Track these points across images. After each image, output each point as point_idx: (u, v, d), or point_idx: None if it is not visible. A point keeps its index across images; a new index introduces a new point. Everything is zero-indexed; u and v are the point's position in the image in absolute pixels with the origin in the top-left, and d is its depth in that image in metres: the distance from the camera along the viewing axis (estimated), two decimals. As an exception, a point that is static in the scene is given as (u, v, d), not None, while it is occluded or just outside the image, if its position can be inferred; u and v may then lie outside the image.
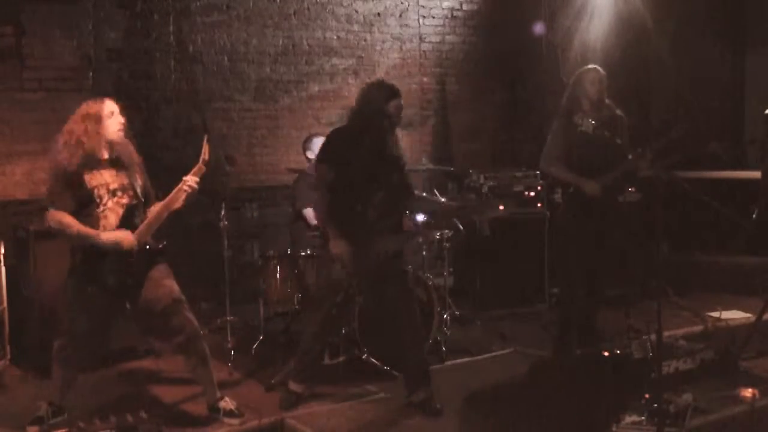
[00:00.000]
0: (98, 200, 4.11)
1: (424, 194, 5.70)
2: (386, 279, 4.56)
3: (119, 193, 4.17)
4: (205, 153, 4.18)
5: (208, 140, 4.22)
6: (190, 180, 4.16)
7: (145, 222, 4.16)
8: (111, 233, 4.07)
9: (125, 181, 4.20)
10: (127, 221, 4.14)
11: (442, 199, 5.73)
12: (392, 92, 4.54)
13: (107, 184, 4.14)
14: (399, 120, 4.59)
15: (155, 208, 4.22)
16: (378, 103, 4.49)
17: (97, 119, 4.15)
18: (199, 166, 4.18)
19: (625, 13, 7.94)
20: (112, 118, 4.19)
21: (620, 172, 5.19)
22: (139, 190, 4.23)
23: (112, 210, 4.14)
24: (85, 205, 4.09)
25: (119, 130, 4.21)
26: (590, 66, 5.36)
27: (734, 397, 4.46)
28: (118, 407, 4.36)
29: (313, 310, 4.84)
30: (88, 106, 4.19)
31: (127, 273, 4.12)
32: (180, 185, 4.16)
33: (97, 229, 4.08)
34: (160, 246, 4.24)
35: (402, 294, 4.58)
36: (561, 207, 5.49)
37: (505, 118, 8.32)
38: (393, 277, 4.58)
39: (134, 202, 4.20)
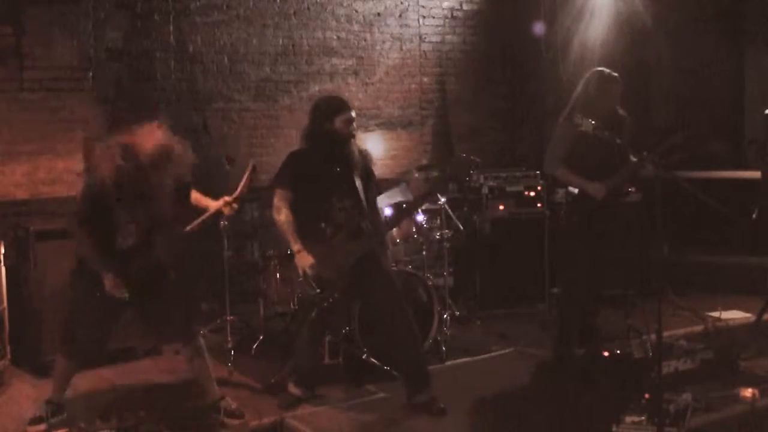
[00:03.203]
0: (123, 218, 4.08)
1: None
2: (368, 283, 4.54)
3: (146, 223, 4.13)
4: (243, 186, 4.13)
5: (252, 170, 4.17)
6: (231, 209, 4.15)
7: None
8: (113, 283, 4.05)
9: (152, 212, 4.11)
10: (145, 238, 4.13)
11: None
12: (336, 109, 4.47)
13: (135, 219, 4.10)
14: (350, 133, 4.51)
15: (199, 202, 4.27)
16: (322, 124, 4.47)
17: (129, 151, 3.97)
18: (236, 196, 4.15)
19: (625, 13, 7.94)
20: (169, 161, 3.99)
21: (626, 174, 5.19)
22: (164, 216, 4.15)
23: (135, 225, 4.11)
24: (110, 220, 4.07)
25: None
26: (613, 74, 5.23)
27: (734, 397, 4.46)
28: (118, 407, 4.36)
29: (297, 323, 4.88)
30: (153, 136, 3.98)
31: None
32: (218, 206, 4.17)
33: (115, 243, 4.09)
34: (170, 270, 4.26)
35: (389, 297, 4.54)
36: (565, 208, 5.48)
37: (505, 118, 8.32)
38: (374, 281, 4.54)
39: (158, 222, 4.16)
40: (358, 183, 4.56)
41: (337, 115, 4.45)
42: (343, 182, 4.52)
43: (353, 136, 4.56)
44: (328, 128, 4.45)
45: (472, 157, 4.89)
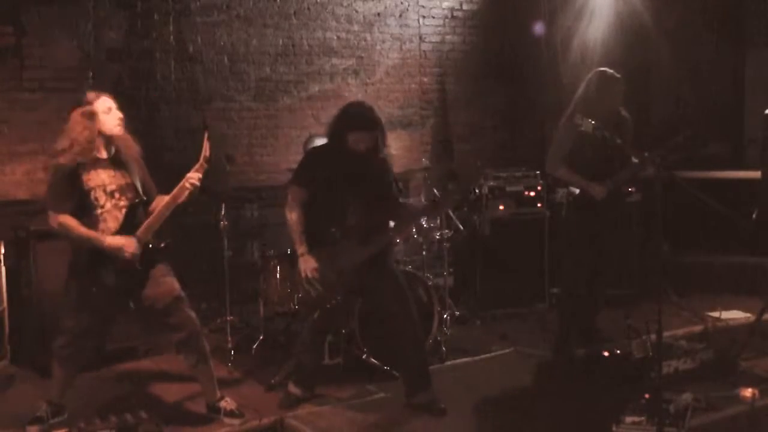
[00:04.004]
0: (95, 202, 4.10)
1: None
2: (374, 282, 4.51)
3: (117, 195, 4.16)
4: (205, 149, 4.16)
5: (208, 137, 4.19)
6: (193, 177, 4.15)
7: (147, 222, 4.15)
8: (115, 239, 4.06)
9: (124, 181, 4.19)
10: (127, 223, 4.13)
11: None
12: (351, 125, 4.35)
13: (104, 186, 4.13)
14: (360, 151, 4.36)
15: (157, 206, 4.21)
16: (334, 133, 4.42)
17: (92, 116, 4.13)
18: (201, 163, 4.16)
19: (625, 13, 7.94)
20: (109, 113, 4.17)
21: (627, 175, 5.19)
22: (140, 188, 4.22)
23: (110, 213, 4.12)
24: (84, 208, 4.09)
25: (117, 125, 4.18)
26: (615, 74, 5.21)
27: (734, 397, 4.46)
28: (118, 407, 4.36)
29: (299, 324, 4.86)
30: (83, 104, 4.16)
31: (129, 273, 4.12)
32: (182, 182, 4.14)
33: (96, 232, 4.08)
34: (162, 245, 4.23)
35: (395, 296, 4.51)
36: (565, 207, 5.49)
37: (505, 117, 8.32)
38: (381, 281, 4.51)
39: (135, 201, 4.19)
40: (372, 187, 4.52)
41: (351, 133, 4.34)
42: (358, 186, 4.45)
43: (365, 154, 4.37)
44: (339, 140, 4.39)
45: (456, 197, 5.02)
